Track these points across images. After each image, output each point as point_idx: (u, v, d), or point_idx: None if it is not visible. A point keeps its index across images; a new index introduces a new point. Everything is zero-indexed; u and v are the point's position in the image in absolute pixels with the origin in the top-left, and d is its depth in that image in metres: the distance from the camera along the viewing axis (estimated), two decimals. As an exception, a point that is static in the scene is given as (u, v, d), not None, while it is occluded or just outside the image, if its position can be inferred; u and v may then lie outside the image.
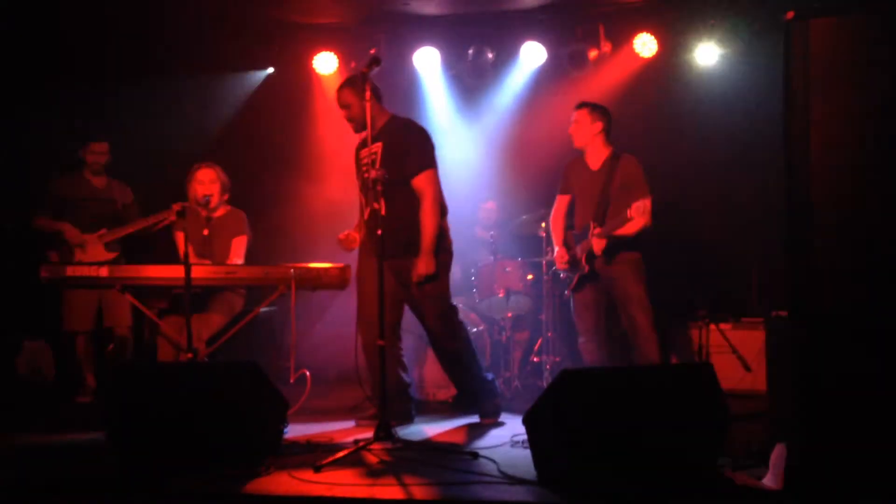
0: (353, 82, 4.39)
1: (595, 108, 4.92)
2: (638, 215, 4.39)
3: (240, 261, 5.11)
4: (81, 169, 5.67)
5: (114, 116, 6.66)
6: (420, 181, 4.28)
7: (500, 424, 4.40)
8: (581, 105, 4.96)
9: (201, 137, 6.75)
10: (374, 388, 4.32)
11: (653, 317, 4.71)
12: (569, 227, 5.06)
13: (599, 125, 4.88)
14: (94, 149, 5.60)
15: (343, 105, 4.43)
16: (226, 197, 5.21)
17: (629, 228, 4.65)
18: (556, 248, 5.03)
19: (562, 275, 5.08)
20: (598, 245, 4.72)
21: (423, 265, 4.23)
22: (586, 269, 4.81)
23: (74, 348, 5.62)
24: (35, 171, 6.34)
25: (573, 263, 4.91)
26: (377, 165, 4.18)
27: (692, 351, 5.72)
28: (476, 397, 4.53)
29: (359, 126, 4.42)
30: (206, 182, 5.08)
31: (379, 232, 3.81)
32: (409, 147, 4.30)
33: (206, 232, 5.02)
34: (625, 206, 4.51)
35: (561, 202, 5.07)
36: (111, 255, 5.51)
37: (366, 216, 4.37)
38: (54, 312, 5.62)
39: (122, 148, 5.93)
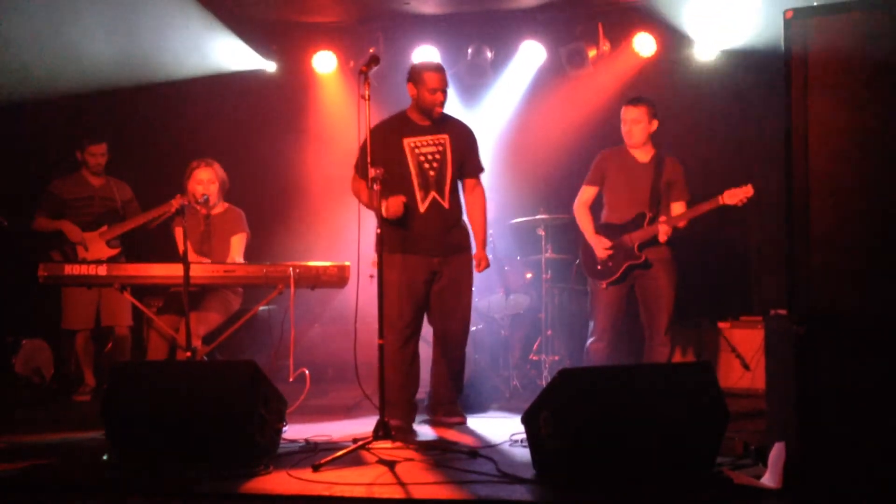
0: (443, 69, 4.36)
1: (651, 105, 4.74)
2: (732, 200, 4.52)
3: (239, 259, 5.10)
4: (80, 169, 5.69)
5: (113, 115, 6.67)
6: (480, 181, 4.52)
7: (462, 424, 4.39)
8: (638, 101, 4.74)
9: (200, 135, 6.74)
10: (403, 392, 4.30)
11: (671, 322, 4.67)
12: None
13: (656, 123, 4.74)
14: (93, 150, 5.63)
15: (446, 89, 4.30)
16: (223, 194, 5.19)
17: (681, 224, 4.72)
18: (592, 237, 4.82)
19: (598, 266, 4.81)
20: (664, 232, 4.63)
21: (486, 259, 4.43)
22: (641, 258, 4.67)
23: (73, 346, 5.63)
24: (34, 172, 6.34)
25: (623, 252, 4.72)
26: (449, 158, 4.31)
27: (691, 349, 5.72)
28: (465, 400, 4.54)
29: (440, 115, 4.33)
30: (205, 181, 5.04)
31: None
32: (473, 147, 4.47)
33: (202, 228, 5.01)
34: (665, 204, 4.72)
35: (590, 192, 4.91)
36: (113, 252, 5.55)
37: (423, 209, 4.27)
38: (53, 311, 5.62)
39: (122, 146, 5.93)
